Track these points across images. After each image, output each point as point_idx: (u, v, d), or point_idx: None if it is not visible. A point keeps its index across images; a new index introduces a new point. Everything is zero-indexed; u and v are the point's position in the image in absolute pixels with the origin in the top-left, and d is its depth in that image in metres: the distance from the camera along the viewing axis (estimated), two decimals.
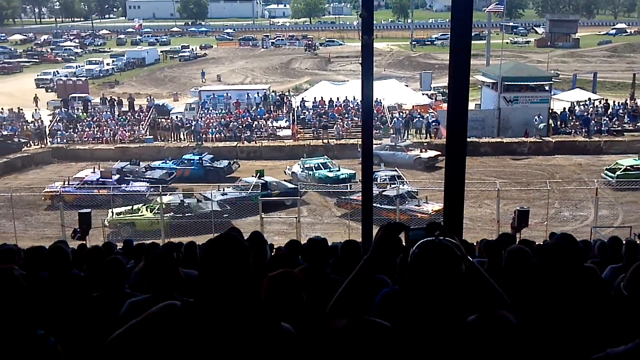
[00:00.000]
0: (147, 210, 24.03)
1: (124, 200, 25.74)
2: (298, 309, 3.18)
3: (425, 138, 37.60)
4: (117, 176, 29.23)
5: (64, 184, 28.34)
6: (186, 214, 23.13)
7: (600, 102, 42.67)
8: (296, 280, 3.45)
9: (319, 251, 4.57)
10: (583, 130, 37.77)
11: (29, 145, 38.13)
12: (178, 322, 2.44)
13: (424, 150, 33.73)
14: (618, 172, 28.20)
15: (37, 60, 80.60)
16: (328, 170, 30.32)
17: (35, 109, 45.48)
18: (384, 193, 24.16)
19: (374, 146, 32.77)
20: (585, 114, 39.62)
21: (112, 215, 23.65)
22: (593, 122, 37.99)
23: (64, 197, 25.59)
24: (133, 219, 23.53)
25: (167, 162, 32.64)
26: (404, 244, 2.77)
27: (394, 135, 37.28)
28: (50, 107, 47.48)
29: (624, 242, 7.28)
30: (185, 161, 32.24)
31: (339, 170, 30.41)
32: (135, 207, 24.32)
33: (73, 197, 26.22)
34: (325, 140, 37.36)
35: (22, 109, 43.63)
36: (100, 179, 28.41)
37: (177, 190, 27.44)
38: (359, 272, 2.81)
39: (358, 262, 5.00)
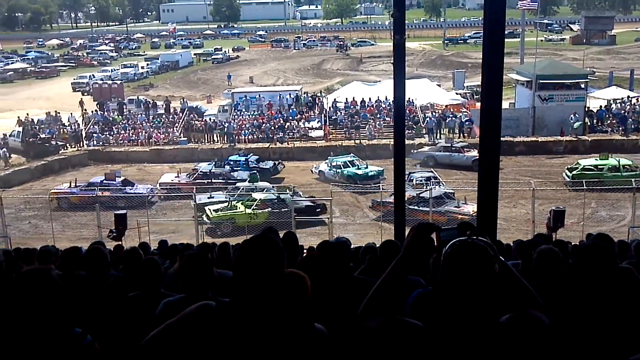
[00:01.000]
0: (243, 206, 24.73)
1: (127, 202, 25.89)
2: (304, 311, 3.20)
3: (459, 138, 37.29)
4: (122, 178, 29.67)
5: (70, 186, 28.91)
6: (283, 209, 23.63)
7: (637, 99, 41.81)
8: (302, 281, 3.48)
9: (341, 253, 4.58)
10: (620, 128, 37.08)
11: (66, 148, 38.82)
12: (213, 322, 2.47)
13: None
14: (574, 172, 27.61)
15: (74, 64, 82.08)
16: (356, 167, 30.26)
17: (81, 113, 46.02)
18: (421, 195, 23.93)
19: (429, 148, 32.43)
20: (622, 111, 38.90)
21: (211, 212, 24.48)
22: (630, 120, 37.29)
23: (69, 199, 26.74)
24: (233, 214, 24.30)
25: (212, 163, 32.63)
26: (435, 244, 2.76)
27: (428, 135, 37.13)
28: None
29: None
30: (232, 162, 32.34)
31: (367, 167, 30.30)
32: (232, 203, 25.15)
33: (78, 198, 27.05)
34: (357, 141, 37.33)
35: (59, 113, 44.40)
36: (104, 181, 28.86)
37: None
38: (391, 272, 2.80)
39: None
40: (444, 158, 32.16)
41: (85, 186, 28.49)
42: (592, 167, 27.97)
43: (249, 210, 24.12)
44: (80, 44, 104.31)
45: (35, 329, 2.68)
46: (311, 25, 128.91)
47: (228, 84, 62.55)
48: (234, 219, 24.09)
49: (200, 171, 30.77)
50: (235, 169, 31.65)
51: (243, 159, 32.60)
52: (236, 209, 24.63)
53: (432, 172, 28.12)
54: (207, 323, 2.48)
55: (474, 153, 31.82)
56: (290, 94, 45.96)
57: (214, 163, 31.97)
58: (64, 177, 34.68)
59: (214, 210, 24.61)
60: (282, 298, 2.52)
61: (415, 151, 32.94)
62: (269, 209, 23.95)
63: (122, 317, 4.38)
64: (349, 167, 30.35)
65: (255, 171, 30.90)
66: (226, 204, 25.03)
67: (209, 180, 29.45)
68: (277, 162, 33.02)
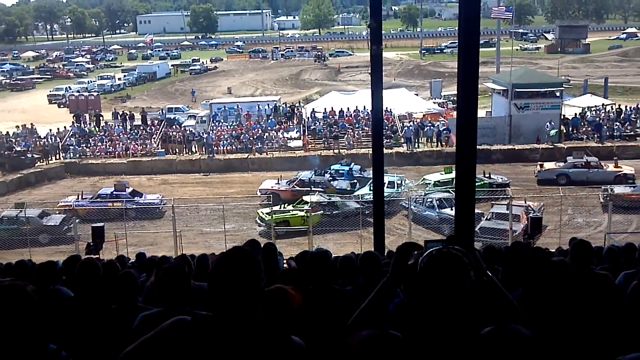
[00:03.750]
0: (296, 209, 25.28)
1: (137, 213, 26.12)
2: (289, 324, 3.21)
3: (437, 146, 37.54)
4: (131, 189, 29.42)
5: (77, 198, 28.59)
6: (334, 212, 24.47)
7: (612, 107, 42.45)
8: (289, 298, 3.48)
9: (321, 264, 4.59)
10: (595, 135, 37.57)
11: (42, 160, 38.38)
12: (189, 336, 2.45)
13: (618, 166, 30.31)
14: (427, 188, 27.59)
15: (50, 76, 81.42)
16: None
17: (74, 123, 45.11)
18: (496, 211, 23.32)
19: (558, 165, 31.12)
20: (597, 119, 39.44)
21: (264, 215, 25.09)
22: (605, 127, 37.81)
23: (77, 211, 25.96)
24: (287, 217, 24.87)
25: (314, 172, 31.77)
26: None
27: (406, 144, 37.23)
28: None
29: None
30: (334, 172, 31.91)
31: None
32: (284, 206, 25.91)
33: (86, 210, 26.68)
34: (336, 151, 37.38)
35: (34, 125, 43.96)
36: (114, 192, 28.60)
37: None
38: (379, 293, 2.82)
39: (376, 272, 5.04)
40: (578, 175, 29.71)
41: (94, 198, 28.30)
42: (446, 181, 27.65)
43: (301, 213, 24.48)
44: (56, 55, 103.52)
45: (9, 346, 2.64)
46: (289, 36, 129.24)
47: (192, 100, 60.99)
48: (288, 221, 24.64)
49: (300, 179, 30.47)
50: (336, 177, 31.25)
51: (346, 168, 32.09)
52: (289, 212, 25.18)
53: (449, 192, 27.06)
54: (183, 338, 2.45)
55: (612, 168, 30.39)
56: (268, 105, 45.97)
57: (314, 171, 31.55)
58: (40, 190, 34.34)
59: (266, 213, 25.07)
60: (258, 312, 2.51)
61: (540, 170, 31.05)
62: (321, 211, 24.63)
63: (99, 332, 4.33)
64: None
65: (356, 180, 30.71)
66: (279, 207, 25.68)
67: (309, 188, 29.15)
68: None
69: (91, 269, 5.18)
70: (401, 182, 28.86)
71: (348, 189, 29.34)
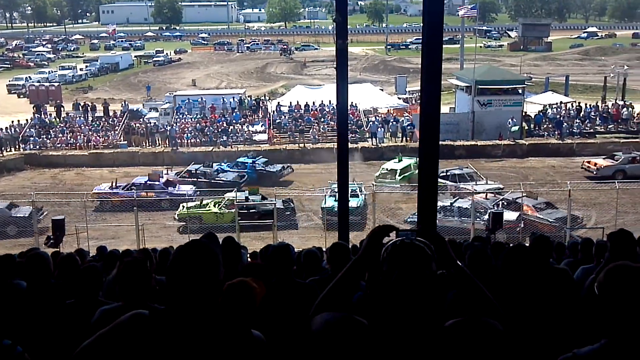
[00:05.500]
0: (214, 205, 25.15)
1: (170, 204, 26.46)
2: (250, 317, 3.20)
3: (401, 142, 37.78)
4: (165, 179, 29.39)
5: (111, 186, 28.40)
6: (250, 210, 24.19)
7: (572, 104, 43.21)
8: (252, 291, 3.48)
9: (283, 257, 4.59)
10: (556, 132, 38.25)
11: (1, 151, 37.50)
12: (146, 330, 2.42)
13: None
14: (398, 177, 28.10)
15: (9, 66, 79.71)
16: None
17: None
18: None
19: (613, 163, 31.12)
20: (558, 116, 40.12)
21: (184, 209, 25.07)
22: (565, 124, 38.50)
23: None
24: (200, 212, 24.85)
25: (222, 165, 32.34)
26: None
27: (371, 139, 37.38)
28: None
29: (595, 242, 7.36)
30: (239, 164, 32.09)
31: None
32: (204, 202, 25.71)
33: (119, 199, 26.76)
34: (302, 145, 37.36)
35: None
36: (148, 182, 28.57)
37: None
38: (347, 273, 2.81)
39: (344, 263, 5.05)
40: (635, 170, 30.07)
41: (128, 187, 28.04)
42: (406, 167, 28.85)
43: (214, 209, 24.42)
44: (15, 44, 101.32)
45: None
46: (255, 29, 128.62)
47: (147, 95, 58.65)
48: (201, 217, 24.56)
49: (188, 169, 30.79)
50: (224, 170, 31.50)
51: (250, 161, 32.32)
52: (206, 207, 25.13)
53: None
54: (140, 332, 2.43)
55: None
56: (233, 98, 45.61)
57: (203, 163, 31.92)
58: None
59: (187, 208, 25.16)
60: (217, 305, 2.49)
61: (599, 168, 31.11)
62: (236, 209, 24.29)
63: (57, 326, 4.25)
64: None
65: (246, 174, 30.80)
66: (199, 202, 25.66)
67: (195, 180, 29.61)
68: (284, 166, 32.57)
69: (39, 262, 5.08)
70: (360, 189, 26.53)
71: (238, 181, 29.55)
